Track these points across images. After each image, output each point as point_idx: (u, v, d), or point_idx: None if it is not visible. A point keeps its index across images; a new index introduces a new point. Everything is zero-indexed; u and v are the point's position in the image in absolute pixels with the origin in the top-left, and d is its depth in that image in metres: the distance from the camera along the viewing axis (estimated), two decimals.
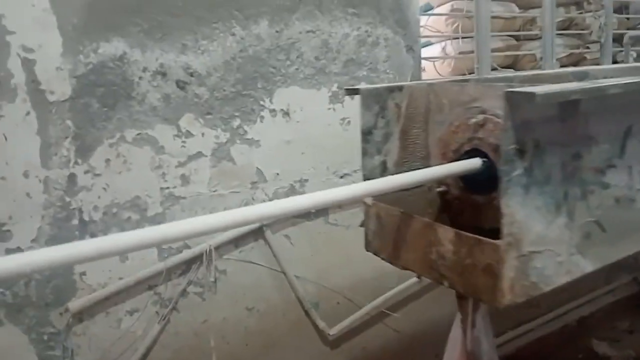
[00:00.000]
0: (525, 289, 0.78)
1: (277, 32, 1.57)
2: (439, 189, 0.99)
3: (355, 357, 1.75)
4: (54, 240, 1.26)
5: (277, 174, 1.60)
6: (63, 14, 1.27)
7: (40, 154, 1.27)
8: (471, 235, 0.79)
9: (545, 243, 0.79)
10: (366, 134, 0.98)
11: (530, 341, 2.18)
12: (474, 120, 0.93)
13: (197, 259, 1.46)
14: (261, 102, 1.56)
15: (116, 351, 1.36)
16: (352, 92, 0.98)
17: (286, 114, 1.60)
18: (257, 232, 1.57)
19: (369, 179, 0.98)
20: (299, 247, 1.64)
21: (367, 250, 0.98)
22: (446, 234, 0.82)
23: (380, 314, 1.77)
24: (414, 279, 1.75)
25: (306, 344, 1.66)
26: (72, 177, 1.30)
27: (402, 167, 1.02)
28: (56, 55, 1.28)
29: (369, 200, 0.96)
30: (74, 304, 1.28)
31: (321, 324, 1.65)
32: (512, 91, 0.70)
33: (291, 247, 1.63)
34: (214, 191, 1.49)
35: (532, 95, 0.67)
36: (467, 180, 0.95)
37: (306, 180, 1.64)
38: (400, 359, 1.83)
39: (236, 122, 1.52)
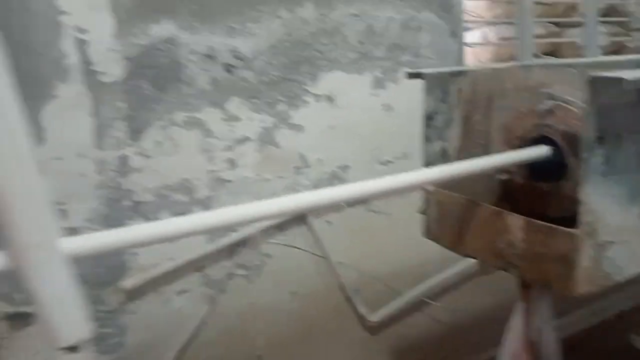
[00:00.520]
0: (599, 279, 0.77)
1: (322, 15, 1.56)
2: (501, 177, 0.98)
3: (395, 344, 1.75)
4: (107, 220, 1.28)
5: (320, 159, 1.59)
6: None
7: (93, 135, 1.28)
8: (544, 223, 0.77)
9: (619, 233, 0.78)
10: (428, 119, 0.97)
11: (569, 334, 2.15)
12: (541, 106, 0.91)
13: (243, 242, 1.47)
14: (305, 87, 1.55)
15: (166, 330, 1.38)
16: (415, 76, 0.96)
17: (330, 99, 1.59)
18: (300, 217, 1.57)
19: (429, 165, 0.97)
20: (341, 233, 1.64)
21: (427, 237, 0.98)
22: (516, 222, 0.81)
23: (421, 302, 1.76)
24: (456, 269, 1.74)
25: (347, 329, 1.67)
26: (123, 159, 1.31)
27: (462, 153, 1.00)
28: (109, 36, 1.28)
29: (430, 187, 0.95)
30: (126, 283, 1.30)
31: (362, 310, 1.65)
32: (597, 76, 0.68)
33: (333, 233, 1.63)
34: (259, 175, 1.50)
35: (619, 80, 0.65)
36: (532, 168, 0.93)
37: (348, 167, 1.63)
38: (440, 347, 1.83)
39: (281, 107, 1.52)
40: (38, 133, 1.22)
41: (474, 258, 0.90)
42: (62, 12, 1.24)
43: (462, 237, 0.90)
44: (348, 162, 1.63)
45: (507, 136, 0.97)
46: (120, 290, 1.30)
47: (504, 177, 0.97)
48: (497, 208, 0.85)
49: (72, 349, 0.54)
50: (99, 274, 1.29)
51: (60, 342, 0.54)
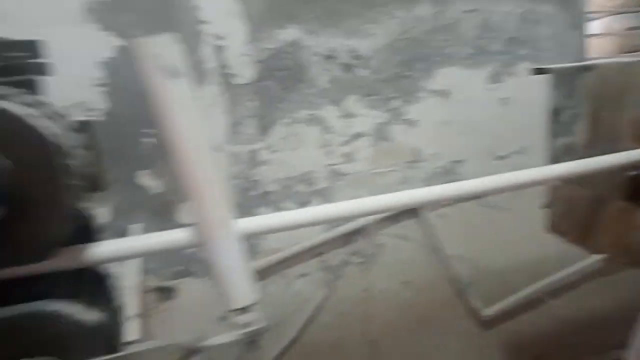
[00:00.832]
0: None
1: (437, 12, 1.59)
2: (631, 173, 0.96)
3: (508, 340, 1.74)
4: (239, 208, 1.41)
5: (434, 153, 1.62)
6: (250, 3, 1.40)
7: (227, 131, 1.42)
8: None
9: None
10: (554, 114, 0.97)
11: None
12: None
13: (358, 232, 1.55)
14: (420, 83, 1.59)
15: (287, 310, 1.50)
16: (541, 71, 0.97)
17: (444, 94, 1.61)
18: (413, 210, 1.62)
19: (555, 160, 0.97)
20: (453, 227, 1.66)
21: (552, 232, 0.98)
22: None
23: (537, 299, 1.73)
24: (577, 266, 1.68)
25: (458, 322, 1.69)
26: (253, 153, 1.44)
27: (590, 148, 0.99)
28: (243, 42, 1.41)
29: (556, 182, 0.96)
30: (256, 265, 1.43)
31: (474, 304, 1.66)
32: None
33: (445, 226, 1.65)
34: (374, 169, 1.56)
35: None
36: None
37: (463, 161, 1.65)
38: (557, 346, 1.78)
39: (396, 103, 1.57)
40: None
41: (602, 254, 0.90)
42: (202, 22, 1.39)
43: (589, 233, 0.90)
44: (462, 157, 1.64)
45: (637, 132, 0.95)
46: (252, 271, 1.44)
47: (634, 173, 0.95)
48: (628, 204, 0.84)
49: (243, 309, 0.64)
50: None
51: (233, 305, 0.64)
